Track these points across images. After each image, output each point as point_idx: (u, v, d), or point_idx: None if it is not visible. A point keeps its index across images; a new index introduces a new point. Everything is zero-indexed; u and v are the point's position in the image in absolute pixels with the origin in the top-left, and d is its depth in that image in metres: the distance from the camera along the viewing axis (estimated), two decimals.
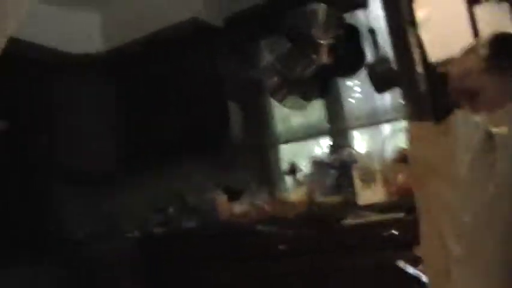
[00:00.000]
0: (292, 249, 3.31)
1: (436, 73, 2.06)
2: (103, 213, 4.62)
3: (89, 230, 4.38)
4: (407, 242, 1.54)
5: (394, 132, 3.85)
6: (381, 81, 3.57)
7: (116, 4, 4.47)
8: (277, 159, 4.42)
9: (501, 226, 0.84)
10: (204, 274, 3.62)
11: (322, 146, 4.31)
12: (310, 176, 3.73)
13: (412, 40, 3.20)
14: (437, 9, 2.97)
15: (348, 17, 3.68)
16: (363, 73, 3.68)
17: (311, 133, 4.33)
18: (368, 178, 3.31)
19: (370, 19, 3.66)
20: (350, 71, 3.74)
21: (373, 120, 4.07)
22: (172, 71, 4.34)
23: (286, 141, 4.45)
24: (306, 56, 3.51)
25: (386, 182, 3.27)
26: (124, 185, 4.82)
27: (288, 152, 4.48)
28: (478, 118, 0.90)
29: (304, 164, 4.01)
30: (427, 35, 3.00)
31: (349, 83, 4.14)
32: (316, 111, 4.25)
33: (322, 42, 3.41)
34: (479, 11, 2.89)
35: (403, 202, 2.97)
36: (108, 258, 3.96)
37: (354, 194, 3.36)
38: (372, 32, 3.61)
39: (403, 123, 3.92)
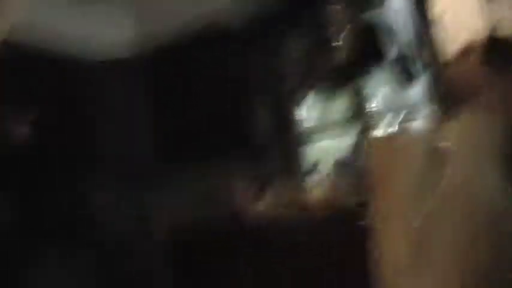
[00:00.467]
0: (312, 245, 3.36)
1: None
2: (138, 204, 4.73)
3: (123, 220, 4.51)
4: None
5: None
6: (401, 78, 3.58)
7: (145, 1, 4.57)
8: (302, 156, 4.45)
9: (449, 234, 0.88)
10: (227, 267, 3.70)
11: (346, 144, 4.31)
12: (331, 175, 3.76)
13: (431, 37, 3.22)
14: (453, 6, 2.98)
15: (368, 15, 3.69)
16: (385, 70, 3.70)
17: (336, 131, 4.34)
18: None
19: (391, 16, 3.68)
20: (371, 68, 3.75)
21: (396, 117, 4.06)
22: (200, 67, 4.43)
23: (312, 139, 4.47)
24: (326, 55, 3.54)
25: None
26: (157, 178, 4.93)
27: (313, 150, 4.50)
28: (425, 133, 0.93)
29: (329, 161, 4.03)
30: (441, 32, 3.01)
31: (372, 80, 4.14)
32: (341, 108, 4.26)
33: (342, 41, 3.43)
34: (496, 7, 2.89)
35: None
36: (140, 249, 4.08)
37: None
38: (391, 29, 3.62)
39: (426, 121, 3.92)
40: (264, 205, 3.86)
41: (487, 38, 1.65)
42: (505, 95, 1.47)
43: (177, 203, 4.50)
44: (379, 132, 4.21)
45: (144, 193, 4.91)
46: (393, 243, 0.94)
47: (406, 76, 3.55)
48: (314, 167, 4.08)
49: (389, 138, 0.97)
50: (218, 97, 4.38)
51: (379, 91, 4.17)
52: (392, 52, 3.65)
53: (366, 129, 4.13)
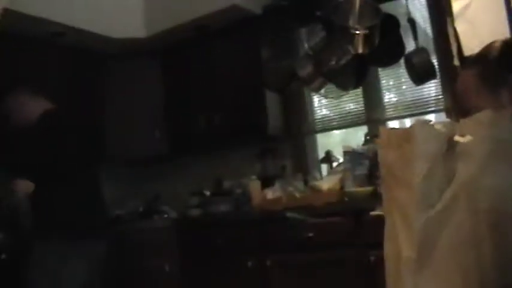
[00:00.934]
0: (320, 237, 3.34)
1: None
2: (147, 193, 4.76)
3: (133, 209, 4.55)
4: None
5: None
6: (418, 73, 3.54)
7: None
8: (313, 148, 4.44)
9: (455, 229, 0.86)
10: (233, 257, 3.70)
11: (358, 136, 4.30)
12: (343, 165, 3.73)
13: (450, 32, 3.17)
14: (473, 1, 2.93)
15: (386, 7, 3.64)
16: (402, 63, 3.66)
17: (348, 122, 4.34)
18: None
19: (410, 9, 3.63)
20: (387, 61, 3.70)
21: (411, 111, 4.05)
22: (212, 58, 4.43)
23: (323, 130, 4.47)
24: (341, 46, 3.49)
25: None
26: (168, 168, 4.97)
27: (324, 141, 4.50)
28: (440, 127, 0.91)
29: (339, 153, 4.02)
30: (462, 27, 2.97)
31: (387, 73, 4.13)
32: (354, 100, 4.26)
33: (358, 32, 3.38)
34: None
35: None
36: (148, 237, 4.10)
37: None
38: (410, 21, 3.57)
39: (442, 115, 3.90)
40: (271, 195, 3.84)
41: (506, 40, 1.61)
42: None
43: (186, 192, 4.52)
44: (392, 124, 4.21)
45: (153, 182, 4.95)
46: (398, 237, 0.93)
47: (425, 70, 3.51)
48: (327, 156, 4.07)
49: (400, 131, 0.96)
50: (230, 86, 4.37)
51: (396, 83, 4.15)
52: (410, 44, 3.60)
53: (380, 121, 4.12)
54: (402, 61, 3.62)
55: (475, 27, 2.88)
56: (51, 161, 2.89)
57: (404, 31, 3.61)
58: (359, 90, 4.13)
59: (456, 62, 3.08)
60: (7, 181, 3.07)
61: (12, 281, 3.16)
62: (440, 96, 3.89)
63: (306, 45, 3.54)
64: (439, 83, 3.85)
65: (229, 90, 4.35)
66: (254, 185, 4.00)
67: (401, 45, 3.60)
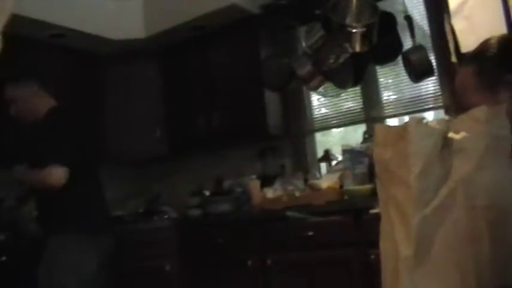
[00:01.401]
0: (320, 236, 3.35)
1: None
2: (148, 194, 4.77)
3: (134, 209, 4.55)
4: None
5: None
6: (415, 70, 3.55)
7: None
8: (312, 147, 4.45)
9: (452, 226, 0.87)
10: (233, 257, 3.71)
11: (357, 134, 4.31)
12: (342, 164, 3.74)
13: (447, 29, 3.18)
14: None
15: (383, 4, 3.65)
16: (400, 61, 3.66)
17: (347, 121, 4.34)
18: None
19: (407, 6, 3.63)
20: (385, 58, 3.71)
21: (410, 108, 4.05)
22: (211, 58, 4.44)
23: (322, 129, 4.47)
24: (339, 44, 3.50)
25: None
26: (168, 168, 4.98)
27: (324, 140, 4.51)
28: (435, 124, 0.92)
29: (339, 151, 4.02)
30: (459, 23, 2.97)
31: (385, 70, 4.13)
32: (353, 98, 4.26)
33: (355, 30, 3.39)
34: None
35: None
36: (148, 237, 4.10)
37: None
38: (407, 19, 3.57)
39: (441, 113, 3.91)
40: (271, 194, 3.85)
41: (504, 36, 1.61)
42: None
43: (186, 192, 4.52)
44: (391, 121, 4.21)
45: (154, 182, 4.96)
46: (394, 235, 0.94)
47: (423, 67, 3.52)
48: (326, 155, 4.07)
49: (396, 128, 0.96)
50: (229, 86, 4.38)
51: (394, 80, 4.16)
52: (408, 42, 3.61)
53: (379, 119, 4.13)
54: (400, 59, 3.64)
55: (472, 24, 2.88)
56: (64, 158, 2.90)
57: (402, 29, 3.62)
58: (357, 89, 4.14)
59: (454, 59, 3.09)
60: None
61: (13, 283, 3.18)
62: (438, 94, 3.90)
63: (304, 44, 3.55)
64: (438, 80, 3.85)
65: (229, 89, 4.36)
66: (254, 184, 4.01)
67: (399, 43, 3.61)
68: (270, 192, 3.83)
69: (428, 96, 3.97)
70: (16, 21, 3.54)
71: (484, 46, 1.64)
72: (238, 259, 3.67)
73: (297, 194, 3.66)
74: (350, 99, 4.28)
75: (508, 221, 0.90)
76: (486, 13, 2.85)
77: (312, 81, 3.67)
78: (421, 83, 3.81)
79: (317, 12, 3.45)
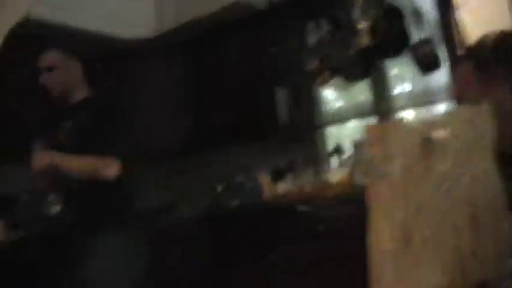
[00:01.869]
0: (330, 230, 3.37)
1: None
2: (168, 189, 4.81)
3: (155, 204, 4.59)
4: None
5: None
6: (424, 63, 3.56)
7: None
8: (323, 141, 4.47)
9: (434, 221, 0.91)
10: (245, 250, 3.76)
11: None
12: (353, 158, 3.76)
13: (453, 22, 3.18)
14: None
15: None
16: (409, 54, 3.67)
17: (357, 114, 4.34)
18: None
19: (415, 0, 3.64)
20: (393, 52, 3.72)
21: (420, 101, 4.05)
22: (220, 54, 4.48)
23: (333, 123, 4.48)
24: (347, 39, 3.53)
25: None
26: (180, 164, 5.02)
27: (334, 134, 4.52)
28: (416, 124, 0.95)
29: (349, 145, 4.03)
30: (465, 17, 2.98)
31: (395, 63, 4.13)
32: (362, 92, 4.26)
33: (362, 25, 3.41)
34: None
35: None
36: (169, 231, 4.15)
37: None
38: (416, 12, 3.58)
39: (450, 106, 3.90)
40: (282, 189, 3.89)
41: (499, 33, 1.62)
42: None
43: (199, 188, 4.57)
44: (402, 114, 4.21)
45: (175, 177, 4.99)
46: (379, 228, 0.97)
47: (431, 60, 3.52)
48: (337, 149, 4.09)
49: (382, 127, 0.99)
50: (237, 83, 4.42)
51: (403, 75, 4.15)
52: (417, 35, 3.62)
53: (389, 111, 4.13)
54: (409, 51, 3.65)
55: (477, 17, 2.90)
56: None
57: (410, 22, 3.63)
58: (366, 82, 4.14)
59: (460, 52, 3.10)
60: None
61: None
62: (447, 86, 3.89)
63: (311, 40, 3.58)
64: (448, 73, 3.84)
65: (240, 86, 4.38)
66: (265, 179, 4.04)
67: (406, 37, 3.62)
68: (280, 187, 3.86)
69: (438, 88, 3.96)
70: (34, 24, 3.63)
71: (481, 42, 1.65)
72: (250, 253, 3.71)
73: (307, 188, 3.69)
74: (361, 92, 4.28)
75: (488, 216, 0.93)
76: (493, 7, 2.86)
77: (320, 76, 3.70)
78: (432, 76, 3.81)
79: (324, 7, 3.48)
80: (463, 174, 0.92)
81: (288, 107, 4.36)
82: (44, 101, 2.92)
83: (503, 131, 1.51)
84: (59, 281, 2.84)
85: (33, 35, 3.71)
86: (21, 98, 3.80)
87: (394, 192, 0.94)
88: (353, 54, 3.46)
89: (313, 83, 4.15)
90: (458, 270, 0.92)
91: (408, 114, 4.20)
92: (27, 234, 3.50)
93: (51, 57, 2.87)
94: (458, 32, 3.06)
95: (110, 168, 2.71)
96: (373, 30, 3.48)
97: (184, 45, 4.67)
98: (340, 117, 4.43)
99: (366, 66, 3.66)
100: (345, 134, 4.43)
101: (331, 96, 4.44)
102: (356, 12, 3.36)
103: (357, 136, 4.08)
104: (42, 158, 2.71)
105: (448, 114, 0.97)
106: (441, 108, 3.91)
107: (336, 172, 3.77)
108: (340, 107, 4.44)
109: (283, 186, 3.87)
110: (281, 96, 4.27)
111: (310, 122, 4.42)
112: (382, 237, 0.96)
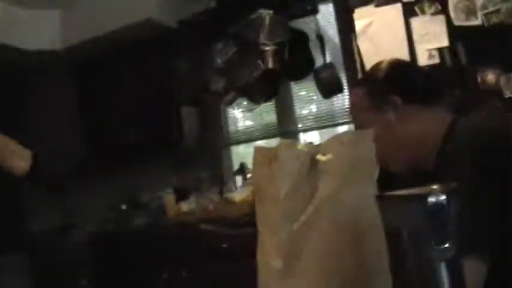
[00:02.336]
0: (234, 248, 3.39)
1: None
2: (62, 209, 4.67)
3: (48, 225, 4.45)
4: None
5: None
6: (326, 87, 3.68)
7: (73, 3, 4.48)
8: (229, 160, 4.51)
9: (318, 241, 0.94)
10: (149, 270, 3.71)
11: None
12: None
13: (354, 49, 3.32)
14: (375, 21, 3.10)
15: (297, 23, 3.77)
16: (312, 78, 3.79)
17: (263, 135, 4.43)
18: None
19: (319, 25, 3.77)
20: (298, 75, 3.84)
21: (322, 123, 4.19)
22: (126, 71, 4.42)
23: (238, 142, 4.55)
24: (252, 61, 3.59)
25: None
26: (84, 182, 4.88)
27: (242, 153, 4.58)
28: (303, 147, 0.99)
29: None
30: (365, 44, 3.12)
31: (300, 86, 4.25)
32: (269, 113, 4.35)
33: (267, 48, 3.49)
34: (415, 23, 3.02)
35: None
36: (63, 252, 4.03)
37: None
38: (319, 38, 3.71)
39: (350, 127, 4.06)
40: (186, 208, 3.88)
41: (392, 61, 1.71)
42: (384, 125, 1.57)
43: (102, 206, 4.48)
44: (305, 135, 4.33)
45: (69, 197, 4.85)
46: (265, 248, 1.00)
47: (333, 84, 3.66)
48: (241, 168, 4.14)
49: (269, 150, 1.02)
50: (141, 101, 4.37)
51: (309, 97, 4.28)
52: (319, 60, 3.74)
53: (293, 133, 4.24)
54: (313, 75, 3.76)
55: (376, 44, 3.04)
56: None
57: (316, 46, 3.76)
58: (272, 103, 4.23)
59: (360, 77, 3.23)
60: None
61: None
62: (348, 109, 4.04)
63: (218, 60, 3.62)
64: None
65: (145, 103, 4.34)
66: (168, 198, 4.02)
67: (310, 60, 3.74)
68: (185, 206, 3.85)
69: (340, 111, 4.11)
70: None
71: (375, 69, 1.74)
72: (153, 272, 3.67)
73: (211, 207, 3.70)
74: (266, 114, 4.37)
75: (369, 236, 0.97)
76: (388, 35, 3.01)
77: (225, 96, 3.74)
78: (335, 99, 3.95)
79: (231, 29, 3.53)
80: (346, 197, 0.96)
81: (195, 125, 4.38)
82: None
83: (391, 154, 1.60)
84: None
85: None
86: None
87: (279, 212, 0.97)
88: (258, 76, 3.52)
89: (219, 102, 4.18)
90: None
91: (312, 136, 4.34)
92: None
93: None
94: (359, 58, 3.19)
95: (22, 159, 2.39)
96: (277, 54, 3.57)
97: (90, 60, 4.57)
98: (247, 137, 4.49)
99: (270, 88, 3.73)
100: (251, 154, 4.48)
101: (238, 116, 4.50)
102: (262, 35, 3.43)
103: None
104: None
105: (332, 137, 1.01)
106: (344, 130, 4.06)
107: (240, 191, 3.81)
108: (247, 127, 4.51)
109: (188, 205, 3.86)
110: (188, 115, 4.28)
111: (216, 141, 4.45)
112: (268, 257, 0.98)
